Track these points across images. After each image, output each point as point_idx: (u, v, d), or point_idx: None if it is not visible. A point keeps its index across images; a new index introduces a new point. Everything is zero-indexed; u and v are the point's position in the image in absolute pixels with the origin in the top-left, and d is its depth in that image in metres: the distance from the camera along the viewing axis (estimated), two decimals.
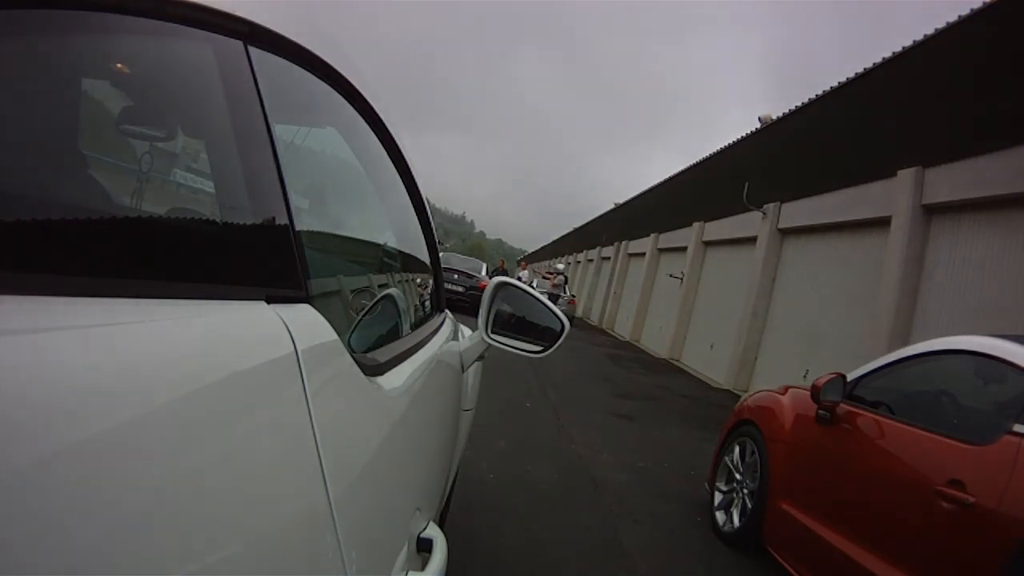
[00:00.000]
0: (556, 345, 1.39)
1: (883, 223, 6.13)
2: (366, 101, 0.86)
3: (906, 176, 5.77)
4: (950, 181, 5.38)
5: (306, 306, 0.55)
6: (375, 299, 0.99)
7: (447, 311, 1.53)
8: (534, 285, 14.54)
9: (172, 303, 0.40)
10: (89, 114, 0.58)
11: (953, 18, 4.38)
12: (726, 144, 8.74)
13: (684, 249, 12.23)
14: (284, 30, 0.60)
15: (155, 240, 0.46)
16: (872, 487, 2.20)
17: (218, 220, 0.57)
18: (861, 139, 6.39)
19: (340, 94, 0.80)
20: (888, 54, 5.13)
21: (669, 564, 2.66)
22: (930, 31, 4.64)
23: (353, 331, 0.76)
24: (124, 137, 0.67)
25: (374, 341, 0.84)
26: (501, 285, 1.37)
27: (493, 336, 1.37)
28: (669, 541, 2.89)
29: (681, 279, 11.94)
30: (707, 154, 9.63)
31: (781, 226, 8.38)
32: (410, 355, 0.92)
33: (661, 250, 14.41)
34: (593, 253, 23.28)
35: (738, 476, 3.05)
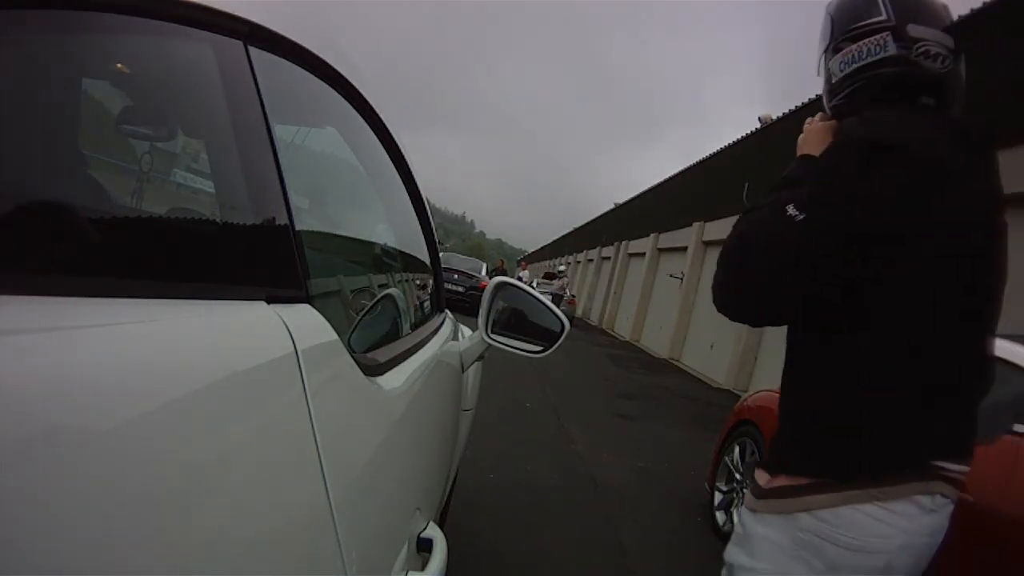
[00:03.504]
0: (556, 345, 1.39)
1: None
2: (366, 101, 0.86)
3: None
4: None
5: (306, 306, 0.55)
6: (375, 299, 0.99)
7: (447, 311, 1.53)
8: (534, 285, 14.55)
9: (172, 303, 0.40)
10: (89, 114, 0.58)
11: (953, 18, 4.38)
12: (726, 144, 8.75)
13: (684, 249, 12.23)
14: (284, 30, 0.60)
15: (155, 240, 0.46)
16: None
17: (218, 220, 0.57)
18: None
19: (340, 94, 0.80)
20: None
21: (669, 564, 2.66)
22: None
23: (353, 331, 0.76)
24: (124, 137, 0.68)
25: (374, 341, 0.84)
26: (501, 285, 1.37)
27: (493, 336, 1.37)
28: (669, 541, 2.89)
29: (681, 279, 11.94)
30: (707, 154, 9.63)
31: None
32: (410, 355, 0.92)
33: (661, 250, 14.42)
34: (593, 253, 23.28)
35: (738, 476, 3.05)
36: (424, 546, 0.75)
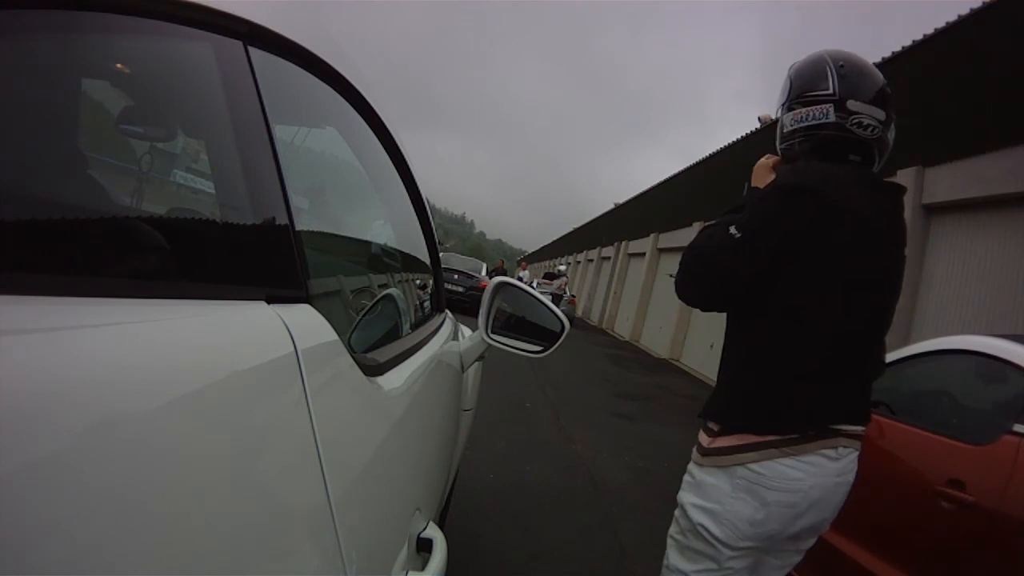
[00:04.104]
0: (556, 345, 1.39)
1: None
2: (366, 101, 0.86)
3: (906, 176, 5.77)
4: (950, 181, 5.38)
5: (306, 306, 0.55)
6: (375, 299, 0.99)
7: (447, 311, 1.53)
8: (534, 285, 14.54)
9: (172, 303, 0.40)
10: (89, 114, 0.58)
11: (953, 18, 4.38)
12: (726, 144, 8.74)
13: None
14: (284, 30, 0.60)
15: (155, 240, 0.46)
16: (871, 487, 2.20)
17: (218, 220, 0.57)
18: None
19: (340, 94, 0.80)
20: (888, 54, 5.13)
21: None
22: (930, 31, 4.65)
23: (353, 331, 0.76)
24: (124, 137, 0.67)
25: (374, 341, 0.84)
26: (501, 285, 1.37)
27: (493, 336, 1.37)
28: None
29: None
30: (707, 154, 9.63)
31: None
32: (410, 355, 0.92)
33: (661, 250, 14.41)
34: (593, 253, 23.28)
35: None
36: (424, 546, 0.75)
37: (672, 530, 1.17)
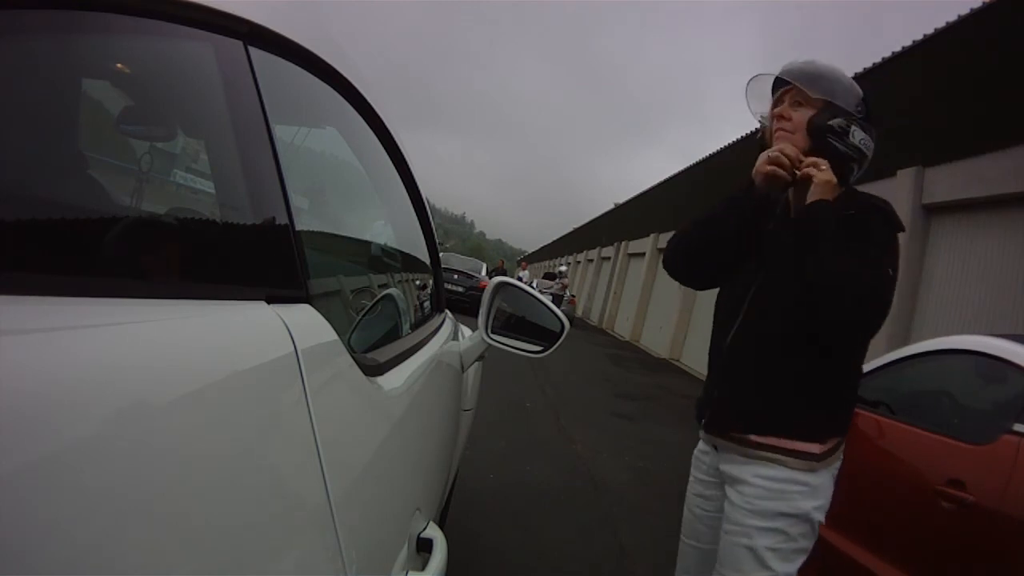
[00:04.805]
0: (556, 345, 1.39)
1: None
2: (366, 101, 0.86)
3: (906, 176, 5.77)
4: (950, 181, 5.37)
5: (306, 306, 0.55)
6: (375, 299, 0.99)
7: (447, 311, 1.53)
8: (534, 285, 14.53)
9: (172, 303, 0.40)
10: (89, 114, 0.58)
11: (953, 18, 4.38)
12: (726, 144, 8.74)
13: None
14: (284, 30, 0.60)
15: (155, 240, 0.46)
16: (872, 487, 2.20)
17: (218, 220, 0.57)
18: None
19: (340, 94, 0.79)
20: (888, 54, 5.13)
21: (668, 564, 2.66)
22: (930, 31, 4.64)
23: (353, 331, 0.76)
24: (124, 137, 0.67)
25: (374, 341, 0.84)
26: (501, 285, 1.37)
27: (493, 336, 1.37)
28: (668, 541, 2.89)
29: None
30: (707, 154, 9.63)
31: None
32: (410, 355, 0.91)
33: (661, 250, 14.40)
34: (593, 253, 23.27)
35: None
36: (424, 546, 0.75)
37: (773, 542, 1.16)
